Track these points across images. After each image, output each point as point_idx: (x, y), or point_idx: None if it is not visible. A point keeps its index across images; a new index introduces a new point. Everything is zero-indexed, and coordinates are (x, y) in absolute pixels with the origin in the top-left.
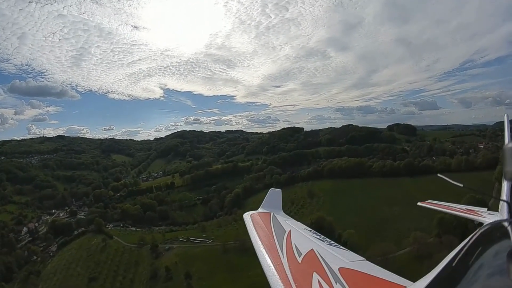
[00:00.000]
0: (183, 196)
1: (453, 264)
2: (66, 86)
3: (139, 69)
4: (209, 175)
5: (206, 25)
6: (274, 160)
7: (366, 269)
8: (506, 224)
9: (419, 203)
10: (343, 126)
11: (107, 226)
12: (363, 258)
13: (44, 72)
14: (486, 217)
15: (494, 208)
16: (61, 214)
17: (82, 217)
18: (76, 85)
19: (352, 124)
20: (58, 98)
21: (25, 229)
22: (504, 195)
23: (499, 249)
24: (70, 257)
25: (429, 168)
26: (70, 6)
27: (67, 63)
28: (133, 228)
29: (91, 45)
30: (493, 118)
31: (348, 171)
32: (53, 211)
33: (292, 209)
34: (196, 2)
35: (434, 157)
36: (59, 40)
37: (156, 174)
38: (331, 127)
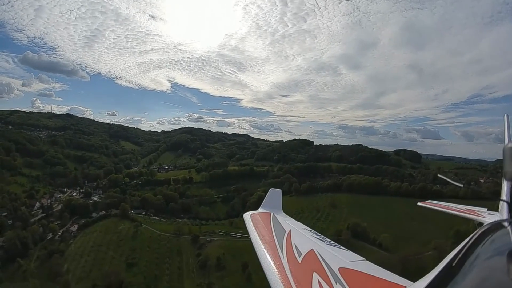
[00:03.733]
0: (204, 192)
1: (453, 264)
2: (75, 65)
3: (150, 59)
4: (227, 175)
5: (223, 25)
6: (289, 169)
7: (366, 269)
8: (506, 224)
9: (419, 203)
10: (353, 145)
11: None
12: (363, 258)
13: (55, 48)
14: (486, 217)
15: (494, 208)
16: (74, 194)
17: (98, 199)
18: (86, 66)
19: (361, 144)
20: (68, 76)
21: (37, 204)
22: (504, 195)
23: (499, 249)
24: (97, 239)
25: (441, 193)
26: None
27: (80, 42)
28: (156, 217)
29: (106, 28)
30: (494, 155)
31: (366, 188)
32: (65, 189)
33: (319, 216)
34: (216, 1)
35: (438, 185)
36: (75, 18)
37: (166, 167)
38: (337, 144)
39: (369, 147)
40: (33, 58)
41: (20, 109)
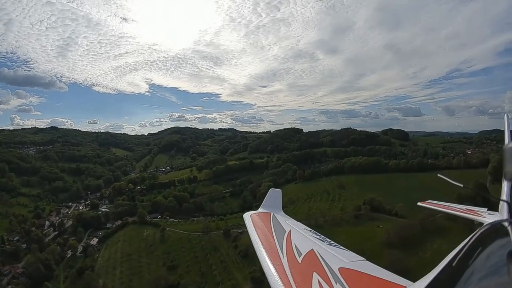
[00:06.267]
0: (213, 189)
1: (453, 264)
2: (51, 77)
3: (126, 62)
4: (229, 170)
5: (196, 21)
6: (287, 158)
7: (366, 269)
8: (506, 224)
9: (419, 203)
10: (342, 129)
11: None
12: (363, 258)
13: (29, 61)
14: (486, 217)
15: (494, 208)
16: (80, 207)
17: (107, 209)
18: (61, 76)
19: (350, 128)
20: (45, 89)
21: (47, 223)
22: (504, 195)
23: (499, 249)
24: (124, 249)
25: (436, 166)
26: None
27: (53, 53)
28: (172, 219)
29: (78, 35)
30: (477, 127)
31: (367, 168)
32: (69, 203)
33: (331, 198)
34: None
35: (429, 159)
36: (46, 28)
37: (163, 169)
38: (324, 129)
39: (358, 129)
40: (8, 74)
41: (1, 128)
